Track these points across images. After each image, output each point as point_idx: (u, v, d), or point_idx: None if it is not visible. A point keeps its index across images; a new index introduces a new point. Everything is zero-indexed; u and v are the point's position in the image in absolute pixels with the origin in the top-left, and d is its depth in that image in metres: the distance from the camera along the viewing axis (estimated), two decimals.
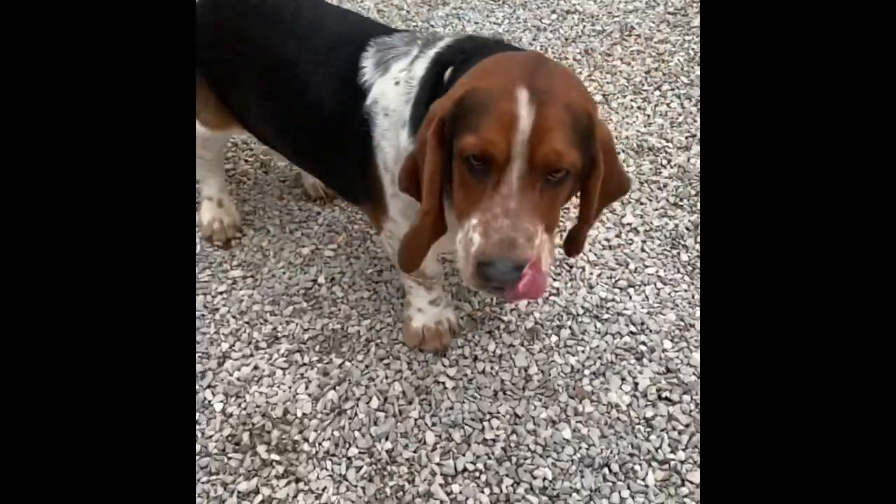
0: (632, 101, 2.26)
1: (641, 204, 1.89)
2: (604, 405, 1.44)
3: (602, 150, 1.05)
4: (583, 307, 1.63)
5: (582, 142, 1.00)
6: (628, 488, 1.31)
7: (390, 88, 1.23)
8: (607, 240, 1.79)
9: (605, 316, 1.61)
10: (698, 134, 2.10)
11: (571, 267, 1.72)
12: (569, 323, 1.60)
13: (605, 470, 1.34)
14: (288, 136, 1.46)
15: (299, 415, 1.44)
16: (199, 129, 1.55)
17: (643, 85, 2.33)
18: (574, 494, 1.30)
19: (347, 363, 1.53)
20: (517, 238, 0.97)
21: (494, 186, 0.99)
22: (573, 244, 1.24)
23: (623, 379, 1.49)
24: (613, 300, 1.65)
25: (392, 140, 1.22)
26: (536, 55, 1.06)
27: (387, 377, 1.50)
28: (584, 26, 2.66)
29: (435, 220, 1.11)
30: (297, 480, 1.33)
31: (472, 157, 0.99)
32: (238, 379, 1.50)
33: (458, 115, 1.01)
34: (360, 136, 1.26)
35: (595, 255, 1.75)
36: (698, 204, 1.88)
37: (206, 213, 1.82)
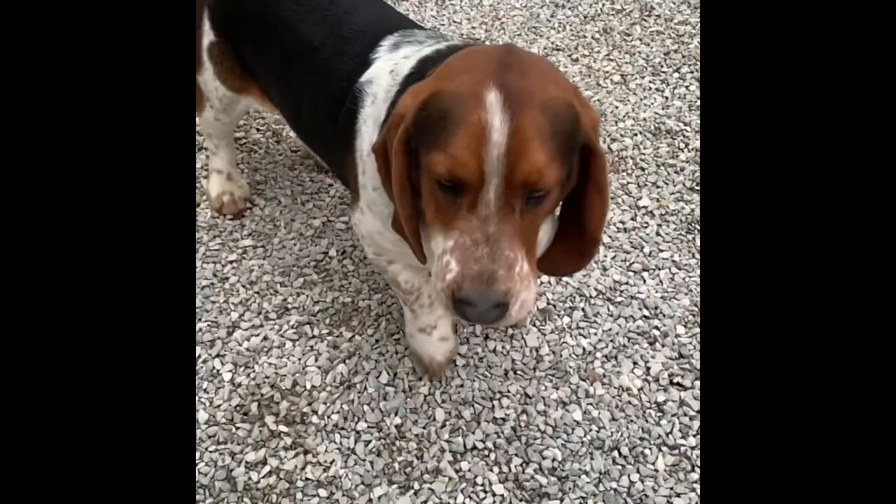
0: (650, 82, 2.22)
1: (658, 187, 1.86)
2: (615, 388, 1.43)
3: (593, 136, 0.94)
4: (596, 289, 1.62)
5: (567, 144, 0.89)
6: (638, 472, 1.30)
7: (385, 75, 1.14)
8: (622, 222, 1.77)
9: (619, 299, 1.60)
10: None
11: None
12: (581, 305, 1.59)
13: (615, 453, 1.33)
14: (290, 102, 1.41)
15: (308, 387, 1.43)
16: (222, 90, 1.52)
17: (662, 66, 2.29)
18: (583, 476, 1.30)
19: (357, 337, 1.52)
20: (497, 270, 0.87)
21: (470, 207, 0.88)
22: (591, 239, 1.03)
23: (635, 363, 1.47)
24: (627, 283, 1.63)
25: (370, 131, 1.14)
26: (506, 46, 0.93)
27: (397, 352, 1.49)
28: (604, 4, 2.61)
29: (416, 225, 1.01)
30: (306, 452, 1.33)
31: (441, 179, 0.89)
32: (247, 349, 1.49)
33: (422, 122, 0.90)
34: (348, 113, 1.18)
35: (609, 237, 1.73)
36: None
37: (215, 187, 1.79)
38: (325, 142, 1.36)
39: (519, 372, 1.46)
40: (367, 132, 1.15)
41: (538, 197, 0.90)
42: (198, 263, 1.66)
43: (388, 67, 1.16)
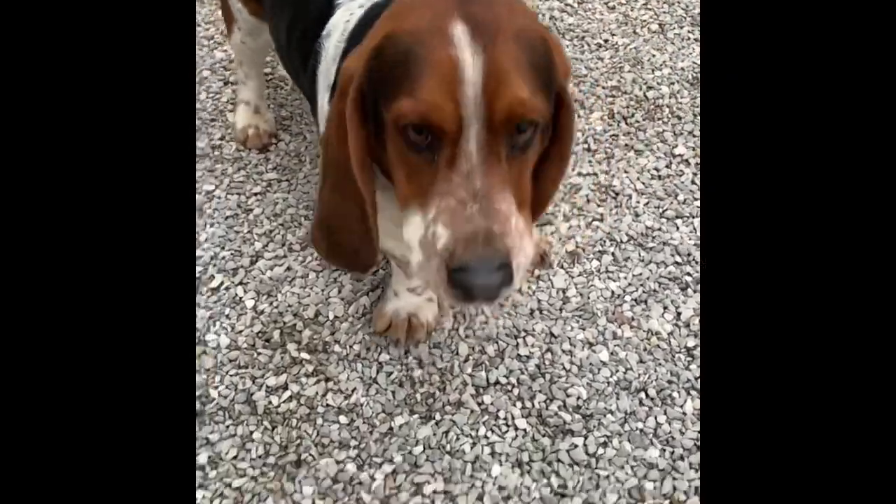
0: (689, 31, 2.15)
1: (694, 136, 1.81)
2: (644, 332, 1.40)
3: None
4: (627, 234, 1.57)
5: (545, 80, 0.79)
6: (665, 414, 1.27)
7: (340, 26, 1.01)
8: (657, 169, 1.71)
9: (650, 245, 1.56)
10: None
11: (617, 194, 1.66)
12: (611, 249, 1.55)
13: (642, 394, 1.30)
14: (274, 35, 1.33)
15: (331, 317, 1.41)
16: (244, 12, 1.49)
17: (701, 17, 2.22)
18: (608, 415, 1.27)
19: (381, 271, 1.49)
20: (492, 226, 0.75)
21: (449, 164, 0.76)
22: (539, 204, 0.93)
23: (665, 308, 1.44)
24: (660, 230, 1.58)
25: (322, 91, 1.01)
26: None
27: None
28: None
29: (372, 208, 0.88)
30: (327, 380, 1.31)
31: (411, 130, 0.77)
32: (270, 278, 1.47)
33: (378, 73, 0.78)
34: (312, 67, 1.07)
35: (643, 183, 1.68)
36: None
37: (241, 118, 1.76)
38: (302, 88, 1.25)
39: (545, 312, 1.43)
40: (321, 91, 1.04)
41: (524, 140, 0.79)
42: (221, 195, 1.63)
43: (344, 17, 1.03)
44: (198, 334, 1.37)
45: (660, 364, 1.35)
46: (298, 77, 1.21)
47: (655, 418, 1.27)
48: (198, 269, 1.47)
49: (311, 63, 1.08)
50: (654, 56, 2.04)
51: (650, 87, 1.93)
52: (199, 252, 1.50)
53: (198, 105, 1.83)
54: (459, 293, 0.77)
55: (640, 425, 1.26)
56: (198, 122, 1.79)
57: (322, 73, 1.04)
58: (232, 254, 1.52)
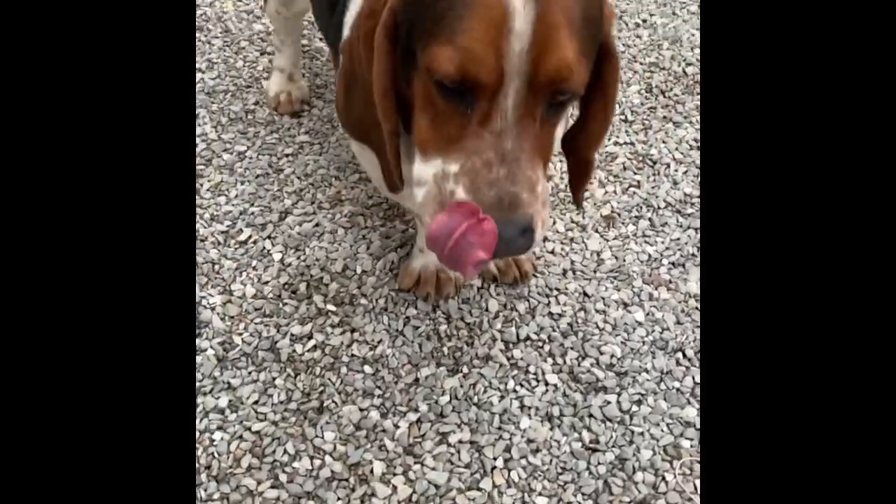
0: None
1: None
2: (681, 294, 1.34)
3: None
4: (665, 201, 1.53)
5: (594, 34, 0.74)
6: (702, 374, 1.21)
7: None
8: (696, 140, 1.67)
9: (689, 211, 1.50)
10: None
11: (655, 163, 1.61)
12: (648, 215, 1.50)
13: (679, 355, 1.25)
14: None
15: (359, 271, 1.38)
16: None
17: None
18: (644, 374, 1.22)
19: (411, 230, 1.46)
20: (520, 193, 0.71)
21: (482, 120, 0.71)
22: (584, 166, 0.90)
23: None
24: (699, 197, 1.53)
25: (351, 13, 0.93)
26: None
27: None
28: None
29: (398, 144, 0.83)
30: (353, 331, 1.28)
31: (446, 81, 0.71)
32: (298, 233, 1.45)
33: (416, 2, 0.72)
34: (337, 15, 1.01)
35: (681, 153, 1.64)
36: None
37: (275, 85, 1.76)
38: (327, 38, 1.21)
39: (578, 272, 1.38)
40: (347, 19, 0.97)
41: (560, 102, 0.73)
42: (253, 155, 1.63)
43: None
44: (223, 284, 1.35)
45: (697, 326, 1.29)
46: (325, 26, 1.18)
47: (693, 378, 1.21)
48: (226, 223, 1.46)
49: (339, 8, 1.03)
50: (693, 35, 2.00)
51: (689, 64, 1.89)
52: (228, 207, 1.49)
53: (234, 73, 1.84)
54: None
55: (676, 384, 1.20)
56: (233, 88, 1.79)
57: (347, 23, 0.98)
58: (261, 210, 1.50)
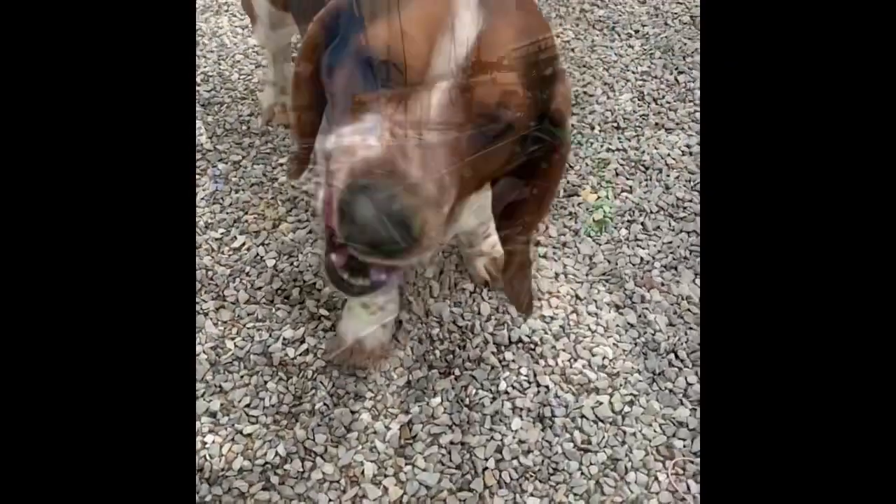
0: None
1: None
2: (674, 296, 1.34)
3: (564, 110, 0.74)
4: (657, 205, 1.53)
5: (537, 87, 0.71)
6: (696, 375, 1.21)
7: None
8: (688, 146, 1.68)
9: (681, 215, 1.51)
10: None
11: (647, 168, 1.62)
12: (641, 219, 1.50)
13: (672, 356, 1.24)
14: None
15: None
16: (263, 8, 1.51)
17: None
18: (636, 374, 1.21)
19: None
20: (410, 168, 0.63)
21: (397, 102, 0.66)
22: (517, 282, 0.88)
23: (696, 273, 1.38)
24: (691, 201, 1.54)
25: None
26: None
27: (442, 253, 1.43)
28: None
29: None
30: None
31: (373, 56, 0.68)
32: (292, 240, 1.46)
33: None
34: None
35: (673, 158, 1.64)
36: None
37: (268, 98, 1.78)
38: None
39: (570, 275, 1.38)
40: None
41: (495, 133, 0.69)
42: (248, 164, 1.64)
43: None
44: (217, 290, 1.35)
45: (690, 328, 1.29)
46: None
47: (686, 379, 1.21)
48: (220, 230, 1.47)
49: None
50: (685, 44, 2.02)
51: (681, 72, 1.91)
52: (222, 215, 1.50)
53: (229, 84, 1.86)
54: (348, 217, 0.64)
55: (669, 385, 1.20)
56: (229, 100, 1.81)
57: None
58: (255, 217, 1.51)
